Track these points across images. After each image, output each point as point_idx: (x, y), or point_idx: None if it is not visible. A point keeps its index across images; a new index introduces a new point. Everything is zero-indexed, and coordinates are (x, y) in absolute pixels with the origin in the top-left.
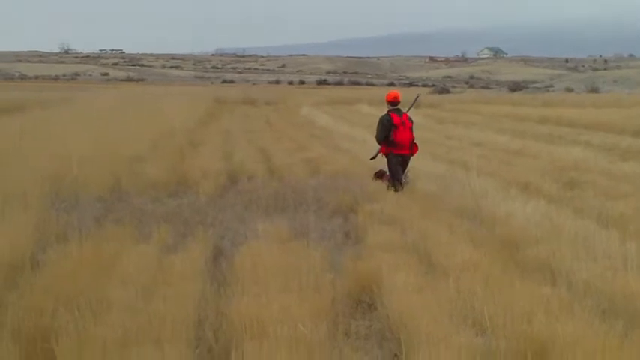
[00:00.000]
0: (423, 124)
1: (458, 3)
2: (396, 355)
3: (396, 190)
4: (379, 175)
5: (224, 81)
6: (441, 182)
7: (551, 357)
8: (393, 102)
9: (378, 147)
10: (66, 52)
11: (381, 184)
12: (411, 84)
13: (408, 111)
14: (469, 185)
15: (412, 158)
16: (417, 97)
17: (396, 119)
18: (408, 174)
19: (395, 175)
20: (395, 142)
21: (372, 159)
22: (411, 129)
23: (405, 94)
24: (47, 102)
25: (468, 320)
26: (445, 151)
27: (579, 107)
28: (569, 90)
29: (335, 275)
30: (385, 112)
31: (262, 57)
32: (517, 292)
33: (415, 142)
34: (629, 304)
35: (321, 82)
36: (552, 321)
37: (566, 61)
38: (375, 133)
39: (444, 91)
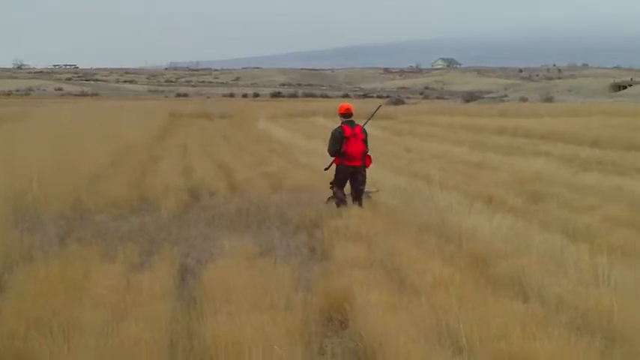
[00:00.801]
0: (380, 137)
1: (411, 15)
2: None
3: (334, 201)
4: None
5: (178, 95)
6: (403, 196)
7: None
8: (346, 114)
9: (331, 158)
10: (19, 67)
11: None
12: (365, 95)
13: (366, 122)
14: (432, 199)
15: (368, 170)
16: (379, 107)
17: (347, 131)
18: (372, 190)
19: (337, 182)
20: (346, 153)
21: (325, 169)
22: (363, 140)
23: (359, 106)
24: (1, 118)
25: (443, 339)
26: (405, 164)
27: (535, 117)
28: (524, 100)
29: (305, 293)
30: (339, 124)
31: (216, 70)
32: (491, 309)
33: (369, 153)
34: (603, 319)
35: (276, 95)
36: (529, 338)
37: (520, 70)
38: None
39: (399, 102)
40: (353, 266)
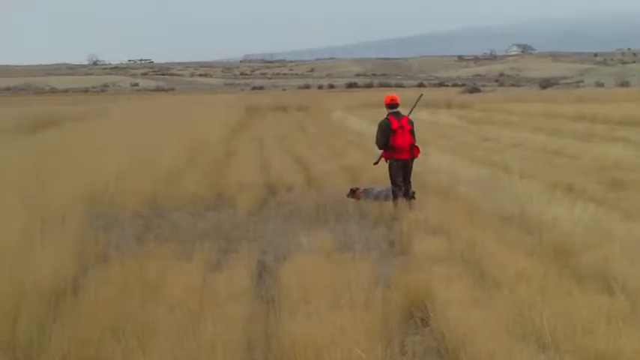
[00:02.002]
0: (457, 126)
1: (482, 1)
2: None
3: (395, 198)
4: (352, 193)
5: (254, 87)
6: (483, 187)
7: None
8: (391, 105)
9: (379, 152)
10: (95, 63)
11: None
12: (440, 84)
13: (410, 112)
14: (512, 189)
15: (445, 160)
16: (420, 96)
17: (394, 123)
18: (413, 192)
19: (394, 180)
20: (394, 146)
21: (374, 164)
22: (410, 132)
23: (435, 95)
24: (79, 116)
25: (527, 335)
26: (483, 154)
27: (612, 102)
28: (600, 85)
29: (385, 289)
30: (385, 116)
31: (291, 62)
32: (575, 302)
33: (417, 144)
34: None
35: (351, 85)
36: (616, 334)
37: (595, 55)
38: (374, 139)
39: (475, 90)
40: (433, 260)
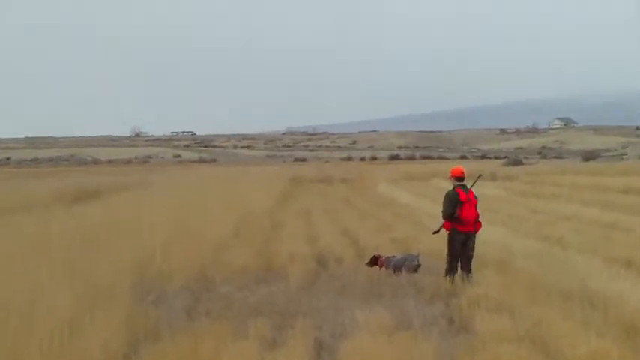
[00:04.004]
0: (504, 198)
1: (525, 74)
2: None
3: (450, 271)
4: (374, 261)
5: (296, 159)
6: (539, 260)
7: None
8: (460, 177)
9: (441, 221)
10: (137, 135)
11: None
12: (483, 157)
13: (471, 188)
14: (570, 263)
15: (498, 233)
16: (480, 176)
17: (462, 195)
18: (414, 253)
19: (453, 252)
20: (461, 218)
21: (434, 233)
22: (476, 206)
23: (476, 167)
24: (122, 187)
25: None
26: (535, 227)
27: None
28: None
29: None
30: (451, 187)
31: (333, 134)
32: None
33: (480, 219)
34: None
35: (394, 158)
36: None
37: (637, 128)
38: (441, 209)
39: (518, 162)
40: (498, 340)
